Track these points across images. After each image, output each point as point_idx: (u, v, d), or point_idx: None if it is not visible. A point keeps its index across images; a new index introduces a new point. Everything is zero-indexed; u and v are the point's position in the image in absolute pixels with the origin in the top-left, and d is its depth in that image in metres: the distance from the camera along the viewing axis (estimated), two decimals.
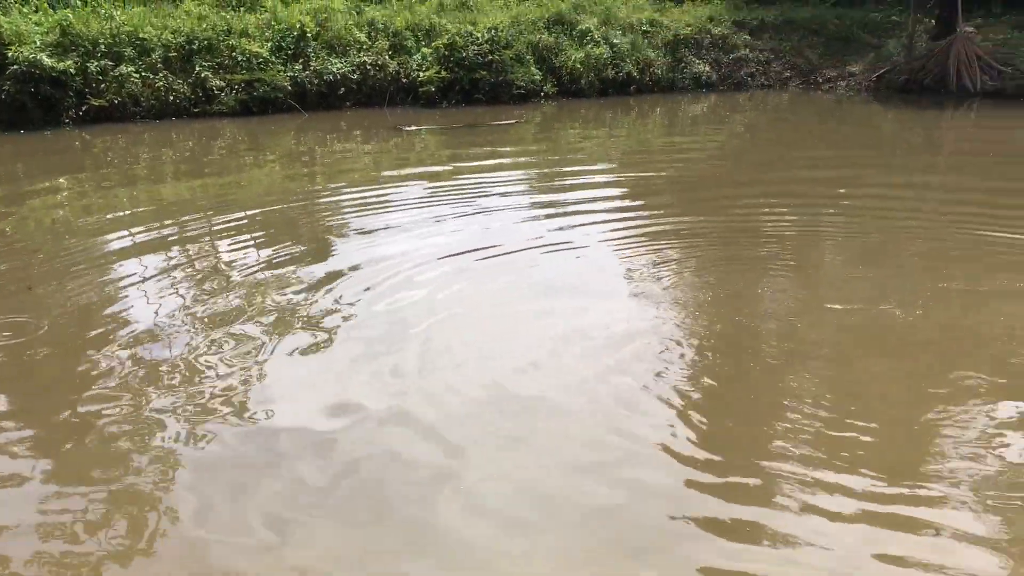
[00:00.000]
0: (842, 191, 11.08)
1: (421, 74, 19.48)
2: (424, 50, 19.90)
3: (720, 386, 5.43)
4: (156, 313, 6.60)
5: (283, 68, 18.33)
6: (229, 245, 8.58)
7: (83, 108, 16.47)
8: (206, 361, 5.71)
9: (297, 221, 9.73)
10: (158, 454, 4.62)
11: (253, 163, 13.79)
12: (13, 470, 4.50)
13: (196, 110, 17.53)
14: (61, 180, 12.22)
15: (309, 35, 18.80)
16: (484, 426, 4.93)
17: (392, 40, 19.95)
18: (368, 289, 7.10)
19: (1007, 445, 4.63)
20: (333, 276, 7.45)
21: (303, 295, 6.99)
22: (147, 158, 14.08)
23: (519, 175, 12.65)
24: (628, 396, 5.21)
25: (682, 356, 5.75)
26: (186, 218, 9.77)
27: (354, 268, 7.66)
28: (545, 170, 13.10)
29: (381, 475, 4.43)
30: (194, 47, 17.76)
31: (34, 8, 17.44)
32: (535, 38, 20.95)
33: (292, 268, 7.72)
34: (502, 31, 20.23)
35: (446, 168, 13.18)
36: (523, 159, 14.12)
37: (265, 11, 19.50)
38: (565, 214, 9.79)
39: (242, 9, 19.65)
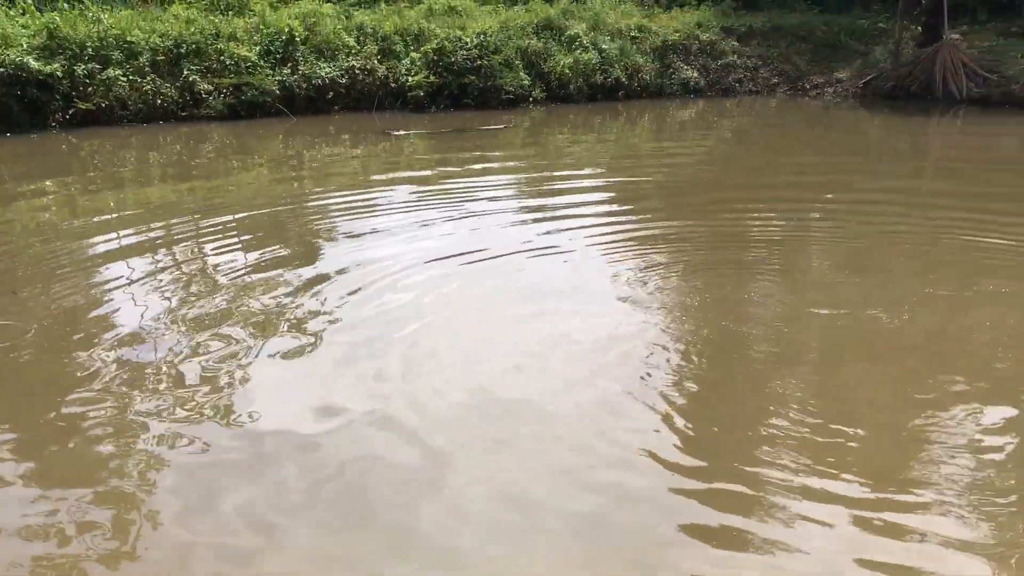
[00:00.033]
0: (829, 196, 11.12)
1: (410, 79, 19.47)
2: (413, 55, 19.89)
3: (706, 391, 5.43)
4: (142, 316, 6.57)
5: (271, 72, 18.28)
6: (216, 248, 8.55)
7: (70, 111, 16.40)
8: (191, 364, 5.68)
9: (285, 224, 9.71)
10: (142, 457, 4.60)
11: (241, 167, 13.75)
12: None
13: (184, 114, 17.47)
14: (47, 183, 12.15)
15: (298, 39, 18.76)
16: (469, 430, 4.91)
17: (381, 45, 19.94)
18: (355, 292, 7.08)
19: (992, 450, 4.64)
20: (320, 279, 7.43)
21: (289, 298, 6.97)
22: (134, 161, 14.04)
23: (507, 180, 12.64)
24: (614, 401, 5.20)
25: (668, 360, 5.74)
26: (173, 221, 9.73)
27: (341, 271, 7.64)
28: (533, 175, 13.11)
29: (365, 479, 4.41)
30: (182, 51, 17.70)
31: (21, 11, 17.35)
32: (524, 43, 20.98)
33: (279, 271, 7.69)
34: (491, 36, 20.23)
35: (434, 172, 13.18)
36: (511, 164, 14.13)
37: (254, 15, 19.46)
38: (553, 218, 9.79)
39: (230, 13, 19.61)
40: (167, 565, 3.76)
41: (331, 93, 18.82)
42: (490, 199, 10.93)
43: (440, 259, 7.98)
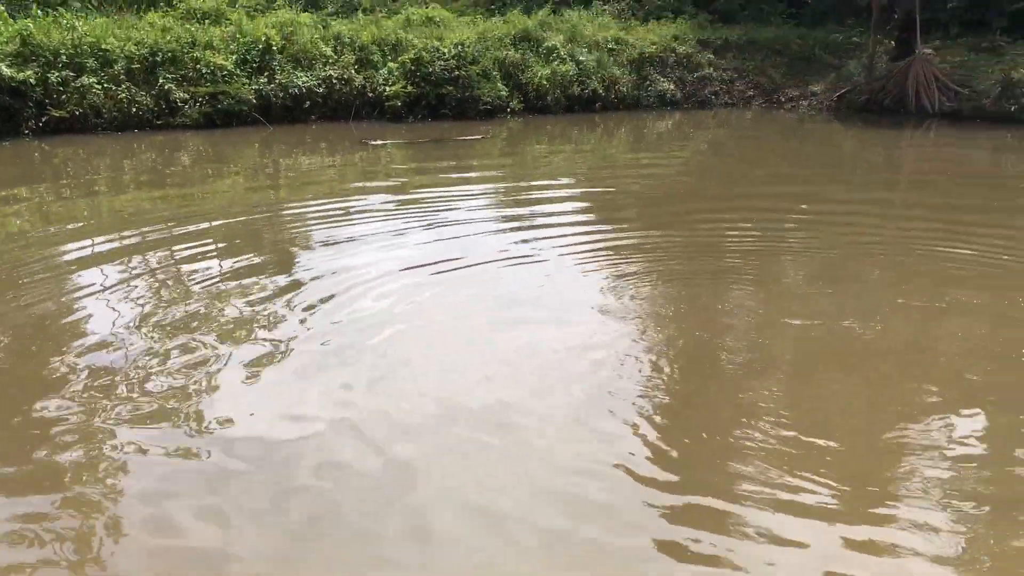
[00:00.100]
0: (804, 207, 11.19)
1: (387, 88, 19.45)
2: (390, 65, 19.87)
3: (680, 401, 5.42)
4: (113, 323, 6.50)
5: (248, 81, 18.19)
6: (190, 256, 8.48)
7: (43, 119, 16.22)
8: (161, 371, 5.62)
9: (259, 232, 9.65)
10: (109, 463, 4.55)
11: (216, 175, 13.68)
12: None
13: (159, 122, 17.33)
14: (19, 190, 12.01)
15: (275, 48, 18.69)
16: (439, 440, 4.88)
17: (358, 54, 19.90)
18: (328, 300, 7.04)
19: (964, 459, 4.66)
20: (293, 287, 7.39)
21: (262, 305, 6.92)
22: (108, 169, 13.91)
23: (484, 189, 12.65)
24: (586, 411, 5.18)
25: (642, 371, 5.73)
26: (147, 229, 9.63)
27: (315, 279, 7.59)
28: (510, 184, 13.12)
29: (333, 487, 4.37)
30: (158, 59, 17.56)
31: None
32: (502, 54, 21.01)
33: (252, 279, 7.64)
34: (469, 47, 20.25)
35: (411, 182, 13.15)
36: (489, 174, 14.14)
37: (230, 24, 19.38)
38: (529, 228, 9.80)
39: (207, 22, 19.51)
40: (133, 572, 3.71)
41: (308, 102, 18.76)
42: (467, 209, 10.92)
43: (415, 267, 7.96)
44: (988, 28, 22.43)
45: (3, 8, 17.21)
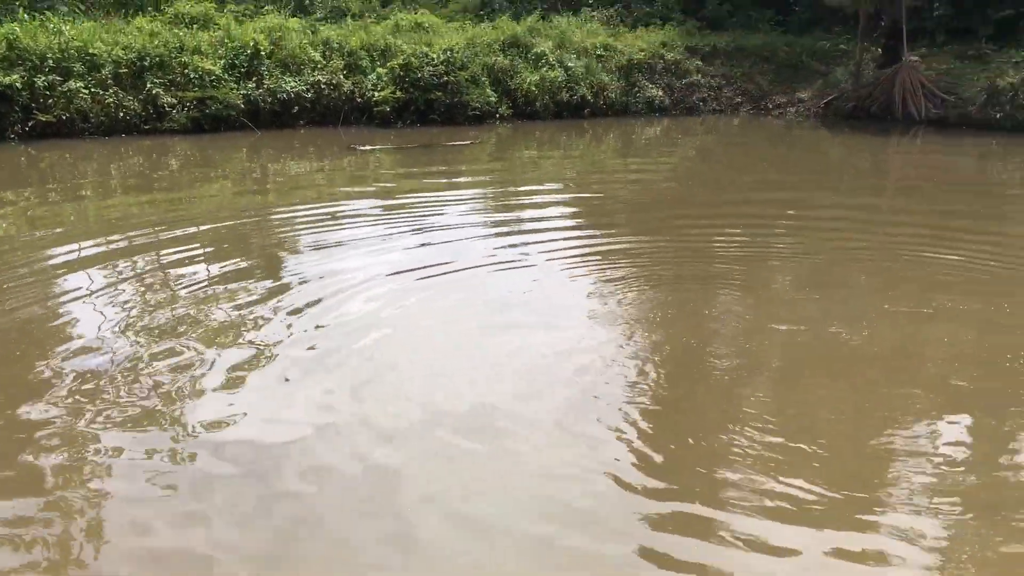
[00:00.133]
0: (791, 213, 11.23)
1: (376, 94, 19.44)
2: (379, 70, 19.87)
3: (667, 407, 5.41)
4: (99, 327, 6.46)
5: (236, 86, 18.15)
6: (177, 260, 8.45)
7: (29, 123, 16.15)
8: (146, 375, 5.59)
9: (247, 237, 9.62)
10: (93, 467, 4.52)
11: (204, 180, 13.63)
12: None
13: (147, 127, 17.28)
14: (5, 194, 11.94)
15: (263, 53, 18.65)
16: (424, 445, 4.86)
17: (347, 60, 19.89)
18: (315, 304, 7.01)
19: (950, 464, 4.68)
20: (280, 291, 7.36)
21: (249, 310, 6.89)
22: (95, 174, 13.86)
23: (473, 194, 12.65)
24: (573, 416, 5.16)
25: (628, 376, 5.73)
26: (134, 233, 9.59)
27: (303, 283, 7.57)
28: (499, 190, 13.12)
29: (317, 492, 4.36)
30: (145, 63, 17.52)
31: None
32: (490, 60, 21.03)
33: (240, 283, 7.61)
34: (457, 53, 20.25)
35: (399, 187, 13.14)
36: (477, 179, 14.14)
37: (219, 29, 19.35)
38: (518, 232, 9.80)
39: (195, 26, 19.45)
40: (117, 575, 3.70)
41: (296, 107, 18.73)
42: (455, 213, 10.91)
43: (403, 272, 7.94)
44: (974, 36, 22.55)
45: None
